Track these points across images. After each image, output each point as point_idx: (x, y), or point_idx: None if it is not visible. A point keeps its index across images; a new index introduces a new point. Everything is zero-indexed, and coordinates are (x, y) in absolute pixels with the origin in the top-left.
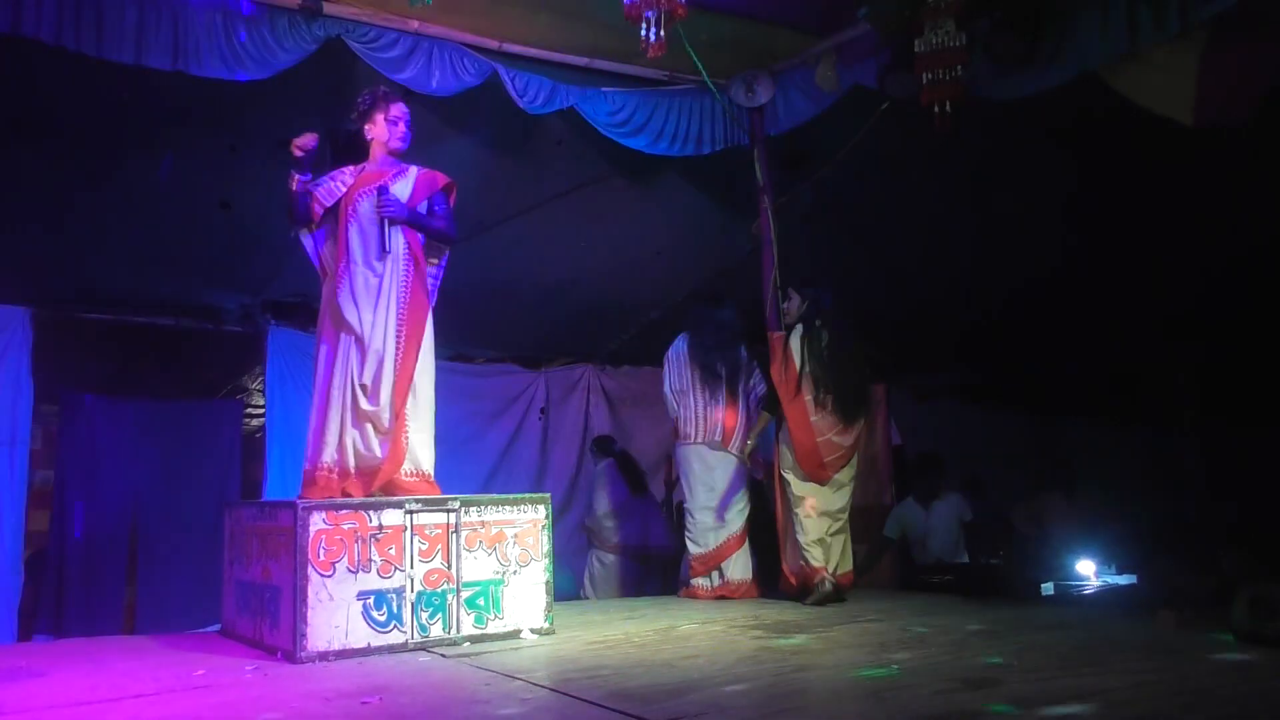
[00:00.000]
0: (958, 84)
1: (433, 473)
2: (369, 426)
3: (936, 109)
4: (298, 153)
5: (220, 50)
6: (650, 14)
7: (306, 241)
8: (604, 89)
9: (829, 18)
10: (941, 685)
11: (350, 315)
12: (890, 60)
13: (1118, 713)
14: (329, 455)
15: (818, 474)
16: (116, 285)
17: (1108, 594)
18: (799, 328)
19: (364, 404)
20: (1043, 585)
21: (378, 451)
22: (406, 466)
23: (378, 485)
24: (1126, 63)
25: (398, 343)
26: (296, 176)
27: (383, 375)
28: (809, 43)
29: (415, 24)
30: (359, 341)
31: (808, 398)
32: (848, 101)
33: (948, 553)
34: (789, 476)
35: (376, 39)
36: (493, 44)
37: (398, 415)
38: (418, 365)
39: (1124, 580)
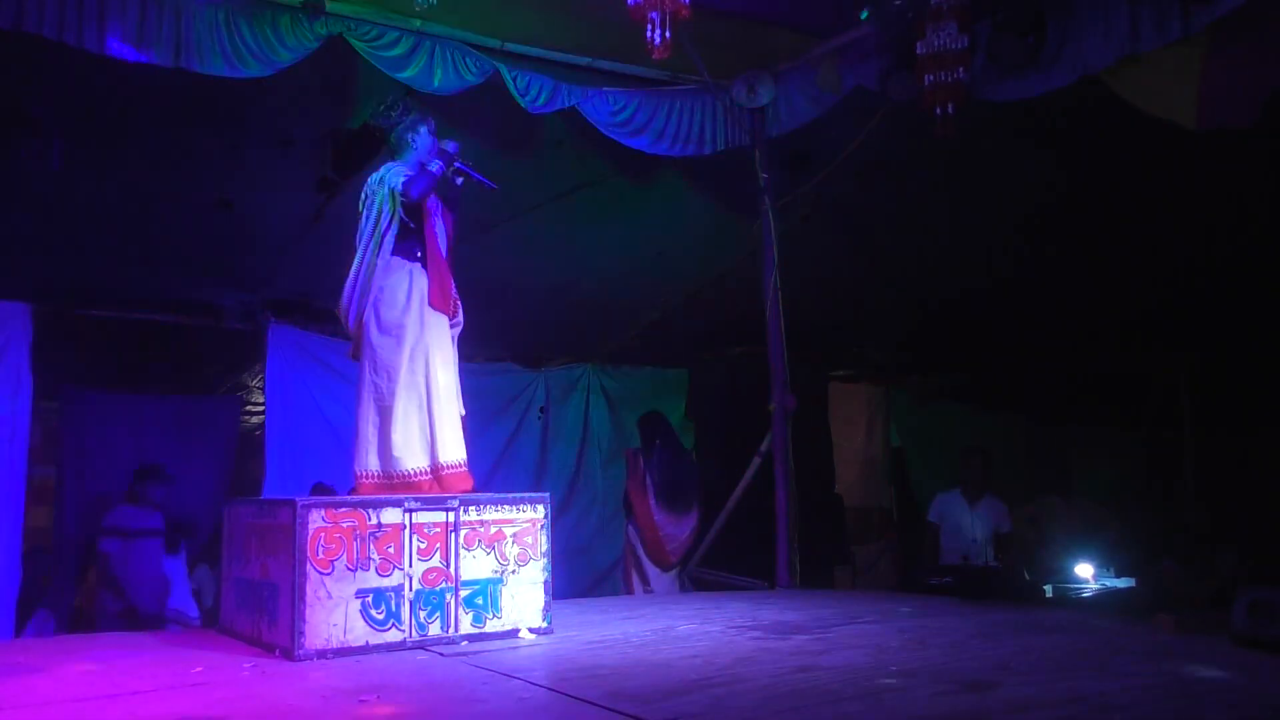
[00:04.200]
0: (959, 86)
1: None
2: None
3: (938, 111)
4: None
5: (222, 47)
6: (655, 15)
7: None
8: (605, 89)
9: (831, 19)
10: (939, 687)
11: None
12: (892, 62)
13: (1115, 716)
14: None
15: (664, 561)
16: (117, 282)
17: (1106, 597)
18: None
19: None
20: (1043, 587)
21: None
22: None
23: None
24: (1128, 65)
25: None
26: None
27: None
28: (810, 44)
29: (417, 22)
30: None
31: (651, 500)
32: (849, 103)
33: (975, 553)
34: (644, 562)
35: (379, 37)
36: (495, 43)
37: None
38: None
39: (1122, 583)
